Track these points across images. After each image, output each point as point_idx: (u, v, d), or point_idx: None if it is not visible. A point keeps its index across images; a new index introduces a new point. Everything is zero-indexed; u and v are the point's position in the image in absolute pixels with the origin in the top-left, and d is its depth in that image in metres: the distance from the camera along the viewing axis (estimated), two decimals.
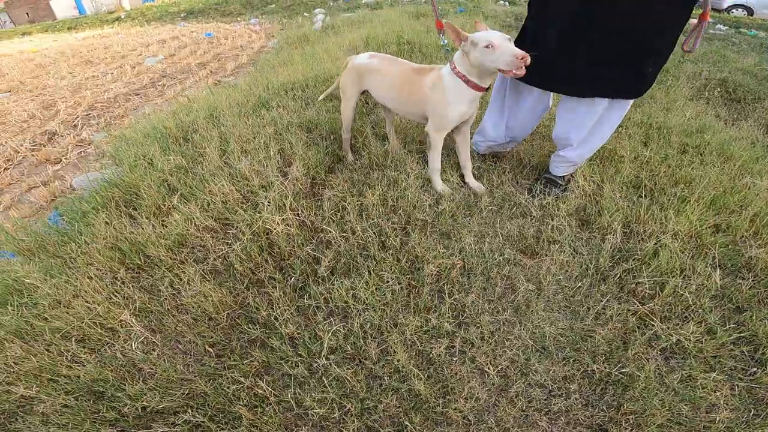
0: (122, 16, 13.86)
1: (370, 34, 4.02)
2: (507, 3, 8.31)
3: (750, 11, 9.71)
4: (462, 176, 1.74)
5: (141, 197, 1.73)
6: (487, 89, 1.41)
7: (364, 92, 1.73)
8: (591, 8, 1.30)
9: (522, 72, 1.24)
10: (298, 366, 1.12)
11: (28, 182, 2.60)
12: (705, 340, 1.15)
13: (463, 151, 1.64)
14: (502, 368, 1.10)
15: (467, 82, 1.39)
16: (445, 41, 1.53)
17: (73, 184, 2.47)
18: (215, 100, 2.72)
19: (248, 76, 3.70)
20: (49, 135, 3.40)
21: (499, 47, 1.24)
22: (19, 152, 3.08)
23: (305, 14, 8.98)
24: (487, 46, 1.25)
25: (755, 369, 1.11)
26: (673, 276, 1.30)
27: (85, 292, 1.33)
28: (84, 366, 1.14)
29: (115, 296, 1.34)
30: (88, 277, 1.39)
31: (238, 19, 10.41)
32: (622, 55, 1.33)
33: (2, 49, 8.90)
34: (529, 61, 1.21)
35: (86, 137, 3.28)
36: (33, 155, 3.03)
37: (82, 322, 1.23)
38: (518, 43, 1.48)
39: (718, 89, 3.21)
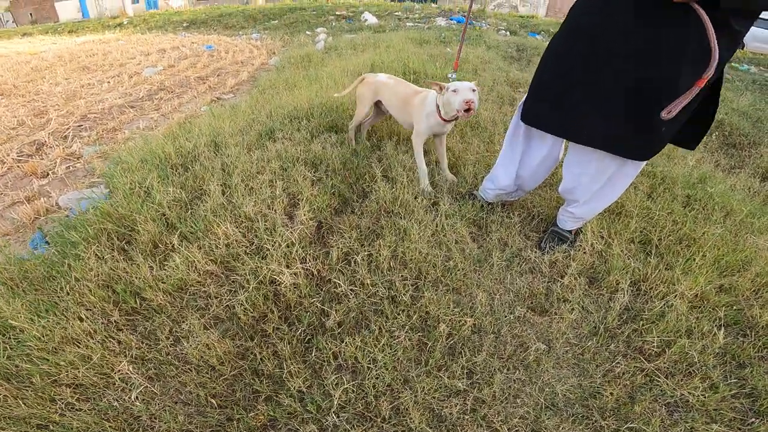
0: (125, 22, 13.76)
1: (375, 60, 4.00)
2: (508, 33, 8.53)
3: (741, 44, 10.07)
4: (440, 169, 2.17)
5: (136, 231, 1.65)
6: (449, 121, 1.86)
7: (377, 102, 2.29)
8: (600, 60, 1.27)
9: (465, 113, 1.65)
10: (307, 423, 1.08)
11: (11, 196, 2.47)
12: (708, 394, 1.17)
13: (438, 148, 2.12)
14: (513, 426, 1.09)
15: (438, 111, 1.87)
16: (453, 76, 1.96)
17: (59, 203, 2.36)
18: (217, 125, 2.66)
19: (250, 97, 3.65)
20: (37, 145, 3.27)
21: (460, 92, 1.68)
22: (5, 162, 2.94)
23: (307, 32, 9.04)
24: (454, 91, 1.70)
25: (753, 419, 1.14)
26: (680, 336, 1.31)
27: (77, 336, 1.25)
28: (78, 412, 1.07)
29: (110, 341, 1.26)
30: (78, 319, 1.31)
31: (240, 32, 10.43)
32: (633, 113, 1.28)
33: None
34: (471, 106, 1.62)
35: (76, 150, 3.16)
36: (19, 166, 2.90)
37: (76, 370, 1.16)
38: (537, 86, 1.49)
39: (716, 132, 3.29)
